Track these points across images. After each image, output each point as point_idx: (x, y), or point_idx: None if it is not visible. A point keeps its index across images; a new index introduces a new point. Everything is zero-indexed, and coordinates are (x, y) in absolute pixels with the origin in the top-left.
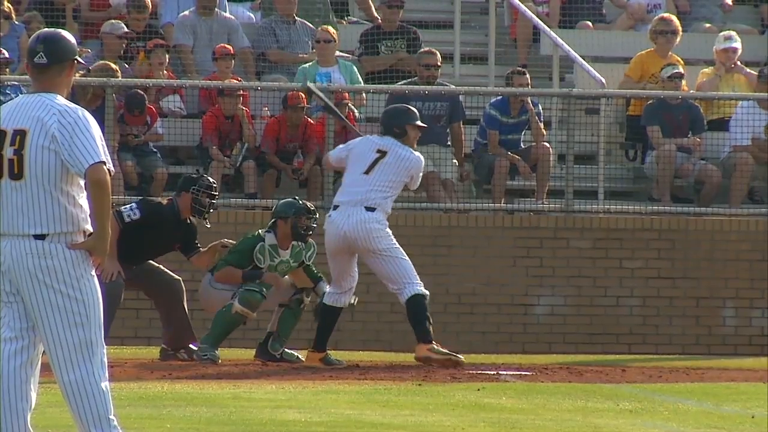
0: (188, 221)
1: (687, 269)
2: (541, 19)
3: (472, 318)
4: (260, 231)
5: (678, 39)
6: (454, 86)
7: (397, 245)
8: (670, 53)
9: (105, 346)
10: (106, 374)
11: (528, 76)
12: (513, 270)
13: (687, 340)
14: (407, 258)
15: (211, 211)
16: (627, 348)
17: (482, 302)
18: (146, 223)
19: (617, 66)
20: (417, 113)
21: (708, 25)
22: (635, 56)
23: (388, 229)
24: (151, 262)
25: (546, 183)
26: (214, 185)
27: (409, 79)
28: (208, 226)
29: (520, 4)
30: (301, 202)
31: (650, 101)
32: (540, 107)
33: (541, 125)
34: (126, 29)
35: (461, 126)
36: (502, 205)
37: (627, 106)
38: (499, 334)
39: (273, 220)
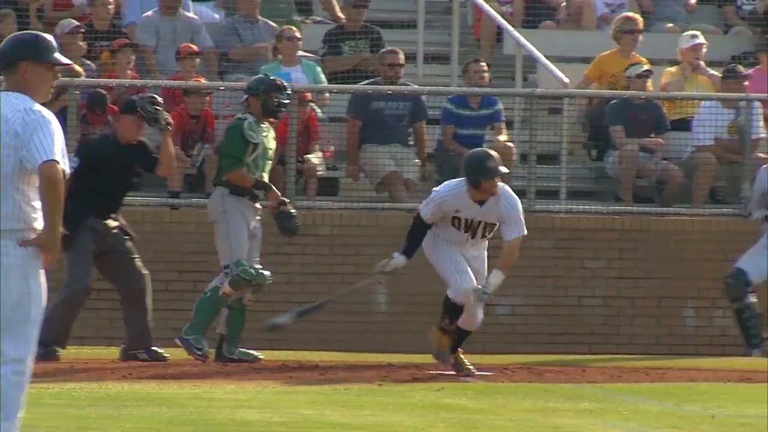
0: (134, 143)
1: (649, 269)
2: (504, 19)
3: (434, 318)
4: (238, 115)
5: (641, 38)
6: (416, 86)
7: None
8: (633, 53)
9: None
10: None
11: (484, 64)
12: None
13: (648, 340)
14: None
15: (165, 115)
16: (588, 348)
17: None
18: (92, 165)
19: (580, 66)
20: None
21: (671, 24)
22: (597, 57)
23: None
24: (122, 251)
25: (508, 182)
26: (154, 95)
27: (372, 79)
28: (171, 123)
29: (484, 3)
30: (271, 77)
31: (614, 101)
32: (501, 105)
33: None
34: (77, 24)
35: (423, 126)
36: None
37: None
38: None
39: (245, 98)
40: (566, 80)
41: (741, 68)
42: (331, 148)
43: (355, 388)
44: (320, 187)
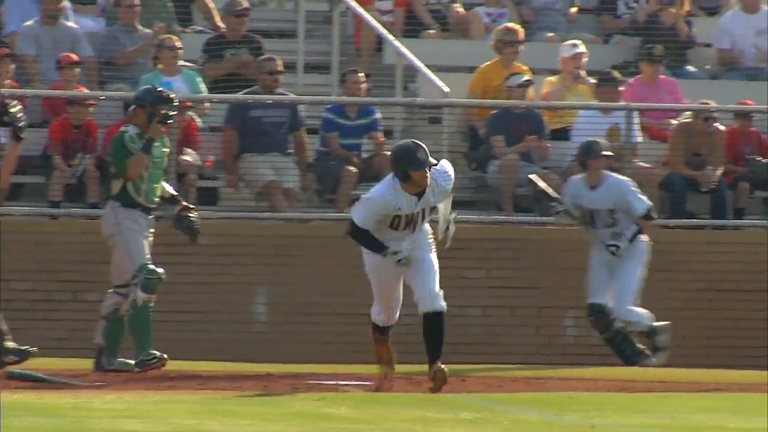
0: None
1: (529, 279)
2: (385, 28)
3: (314, 328)
4: (121, 128)
5: (522, 48)
6: (293, 95)
7: None
8: (514, 63)
9: None
10: None
11: (362, 75)
12: (355, 279)
13: (528, 350)
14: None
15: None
16: (469, 357)
17: (324, 312)
18: None
19: (461, 75)
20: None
21: (552, 34)
22: (477, 70)
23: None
24: None
25: None
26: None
27: (251, 87)
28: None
29: (364, 13)
30: (159, 89)
31: (494, 111)
32: (379, 114)
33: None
34: None
35: (303, 135)
36: (345, 214)
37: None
38: (340, 344)
39: (132, 107)
40: (446, 89)
41: (616, 74)
42: (211, 157)
43: (235, 398)
44: (200, 196)
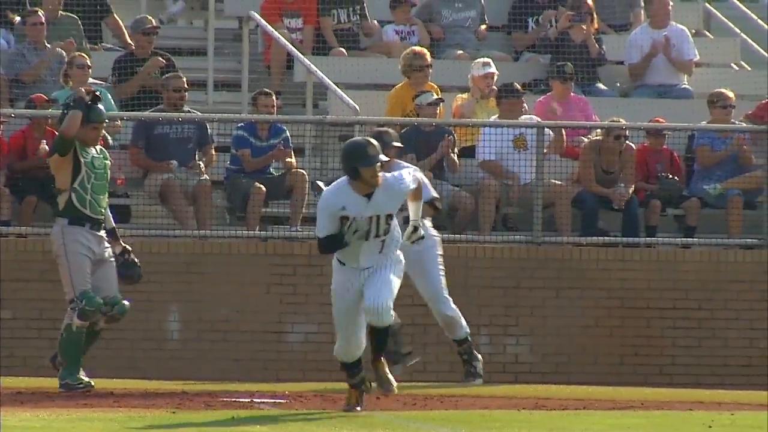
0: None
1: None
2: (294, 46)
3: (226, 345)
4: None
5: (431, 71)
6: (199, 113)
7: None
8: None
9: None
10: None
11: (274, 97)
12: (267, 297)
13: (441, 368)
14: None
15: None
16: None
17: (236, 329)
18: None
19: (371, 93)
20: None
21: (461, 52)
22: (388, 97)
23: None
24: None
25: (301, 210)
26: None
27: (159, 105)
28: None
29: (274, 31)
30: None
31: (405, 129)
32: (288, 133)
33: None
34: None
35: (213, 151)
36: (256, 232)
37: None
38: (253, 361)
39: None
40: (357, 107)
41: (517, 86)
42: (122, 175)
43: (149, 416)
44: (112, 214)
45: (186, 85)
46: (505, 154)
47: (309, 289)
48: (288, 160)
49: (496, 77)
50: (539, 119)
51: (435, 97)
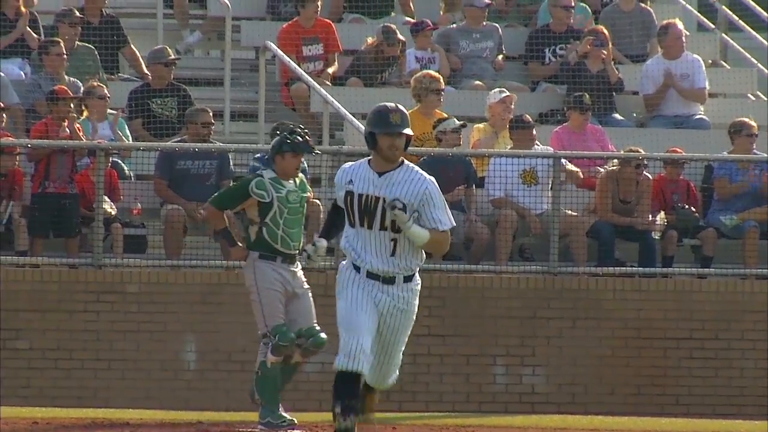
0: None
1: (457, 326)
2: (311, 77)
3: (243, 375)
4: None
5: (443, 96)
6: (221, 144)
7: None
8: (435, 110)
9: None
10: None
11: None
12: None
13: (458, 398)
14: None
15: None
16: (398, 405)
17: (253, 360)
18: None
19: None
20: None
21: (478, 82)
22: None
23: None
24: None
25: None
26: None
27: (179, 138)
28: None
29: (290, 61)
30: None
31: (422, 158)
32: (305, 164)
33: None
34: None
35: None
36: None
37: None
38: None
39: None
40: None
41: (527, 117)
42: (138, 205)
43: None
44: (128, 244)
45: (211, 120)
46: (515, 186)
47: (325, 320)
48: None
49: (514, 101)
50: (554, 150)
51: (458, 123)
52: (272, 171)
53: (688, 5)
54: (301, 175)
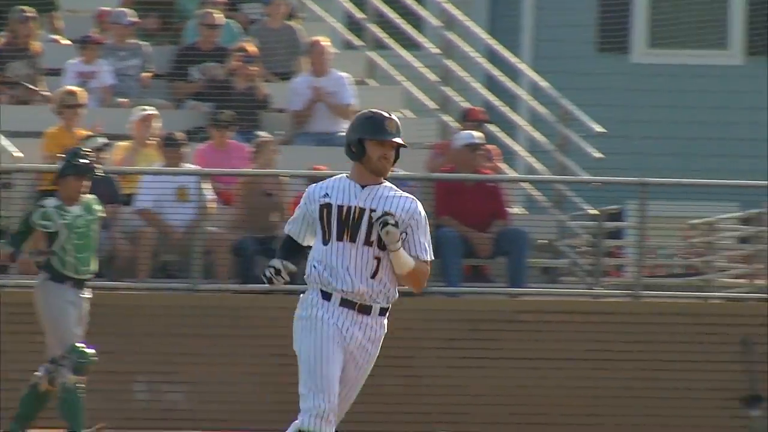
0: None
1: (101, 343)
2: None
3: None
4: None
5: (84, 111)
6: None
7: None
8: (76, 127)
9: None
10: None
11: None
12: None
13: (100, 415)
14: None
15: None
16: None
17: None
18: None
19: (31, 140)
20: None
21: (124, 99)
22: (45, 135)
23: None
24: None
25: None
26: None
27: None
28: None
29: None
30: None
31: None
32: None
33: None
34: None
35: None
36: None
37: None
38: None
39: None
40: (19, 154)
41: (178, 135)
42: None
43: None
44: None
45: None
46: (166, 204)
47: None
48: None
49: (156, 123)
50: (199, 167)
51: (104, 141)
52: (55, 198)
53: (335, 23)
54: (88, 197)
